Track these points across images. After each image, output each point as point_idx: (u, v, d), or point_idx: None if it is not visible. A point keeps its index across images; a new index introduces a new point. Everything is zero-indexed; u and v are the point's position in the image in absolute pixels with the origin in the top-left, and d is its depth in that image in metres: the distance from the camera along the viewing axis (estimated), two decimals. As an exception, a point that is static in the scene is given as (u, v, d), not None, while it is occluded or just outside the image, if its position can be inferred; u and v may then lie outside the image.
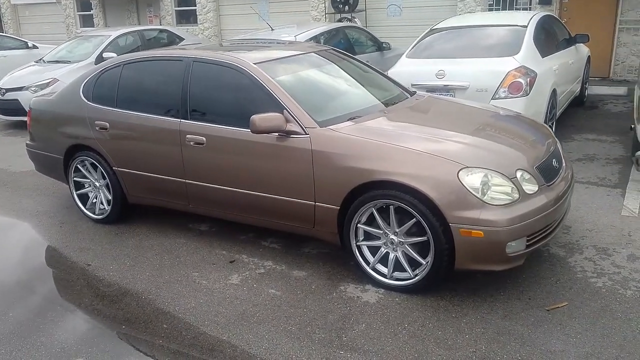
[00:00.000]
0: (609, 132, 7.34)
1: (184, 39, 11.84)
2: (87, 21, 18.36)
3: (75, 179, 5.18)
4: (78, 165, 5.09)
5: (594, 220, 4.61)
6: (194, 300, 3.73)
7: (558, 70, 6.82)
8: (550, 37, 7.21)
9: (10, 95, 9.56)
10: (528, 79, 5.92)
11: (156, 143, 4.50)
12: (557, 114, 6.98)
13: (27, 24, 20.28)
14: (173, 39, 11.77)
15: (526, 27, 6.62)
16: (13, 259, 4.56)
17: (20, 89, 9.51)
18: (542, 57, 6.52)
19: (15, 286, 4.08)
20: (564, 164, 4.06)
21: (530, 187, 3.47)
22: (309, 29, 8.58)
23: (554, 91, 6.56)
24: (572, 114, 8.35)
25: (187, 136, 4.28)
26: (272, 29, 8.92)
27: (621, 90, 9.91)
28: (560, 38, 7.66)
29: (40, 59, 10.88)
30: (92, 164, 5.01)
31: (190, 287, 3.91)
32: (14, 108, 9.51)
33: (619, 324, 3.23)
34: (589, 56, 8.96)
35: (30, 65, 10.60)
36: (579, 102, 8.81)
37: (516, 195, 3.37)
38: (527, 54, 6.26)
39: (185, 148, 4.32)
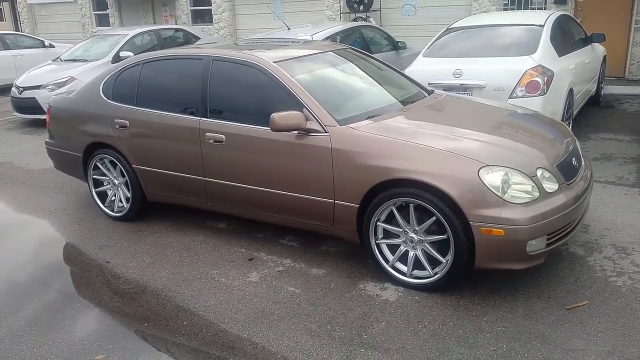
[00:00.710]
0: (626, 132, 7.30)
1: (199, 38, 11.89)
2: (102, 20, 18.49)
3: (94, 176, 5.22)
4: (97, 163, 5.13)
5: (612, 220, 4.59)
6: (213, 297, 3.75)
7: (575, 70, 6.78)
8: (566, 37, 7.18)
9: (27, 94, 9.66)
10: (545, 78, 5.89)
11: (176, 141, 4.52)
12: (574, 113, 6.94)
13: (43, 23, 20.46)
14: (189, 38, 11.82)
15: (543, 26, 6.60)
16: (32, 256, 4.60)
17: (37, 87, 9.60)
18: (559, 57, 6.49)
19: (35, 283, 4.12)
20: (583, 163, 4.05)
21: (550, 186, 3.46)
22: (325, 28, 8.59)
23: (571, 90, 6.53)
24: (588, 114, 8.31)
25: (207, 134, 4.31)
26: (289, 28, 8.93)
27: (637, 89, 9.85)
28: (577, 37, 7.62)
29: (57, 58, 10.99)
30: (112, 162, 5.04)
31: (209, 284, 3.93)
32: (31, 106, 9.61)
33: (639, 323, 3.22)
34: (605, 55, 8.90)
35: (47, 64, 10.71)
36: (594, 102, 8.77)
37: (536, 194, 3.36)
38: (544, 53, 6.24)
39: (204, 146, 4.34)
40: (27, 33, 17.89)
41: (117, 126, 4.84)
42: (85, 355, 3.22)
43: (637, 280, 3.66)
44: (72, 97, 5.32)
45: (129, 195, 5.00)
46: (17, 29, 20.85)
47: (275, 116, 3.75)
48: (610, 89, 9.87)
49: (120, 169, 4.98)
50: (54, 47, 13.73)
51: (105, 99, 4.96)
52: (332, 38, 8.28)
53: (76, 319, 3.59)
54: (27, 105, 9.71)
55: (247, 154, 4.15)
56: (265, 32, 10.14)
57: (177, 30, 12.12)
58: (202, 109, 4.38)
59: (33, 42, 13.97)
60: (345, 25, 9.13)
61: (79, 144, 5.14)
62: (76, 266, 4.38)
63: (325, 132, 3.80)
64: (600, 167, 5.89)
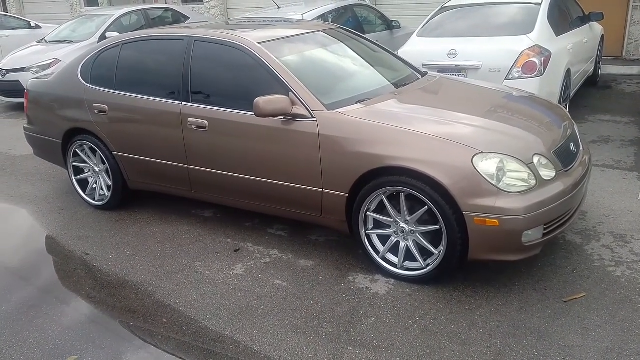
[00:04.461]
0: (624, 113, 7.15)
1: (189, 18, 11.64)
2: (91, 0, 18.06)
3: (74, 163, 5.04)
4: (77, 150, 4.94)
5: (610, 206, 4.45)
6: (195, 292, 3.59)
7: (572, 50, 6.62)
8: (564, 15, 7.00)
9: (11, 77, 9.40)
10: (542, 59, 5.72)
11: (156, 127, 4.34)
12: (571, 94, 6.78)
13: (30, 4, 20.00)
14: (178, 18, 11.55)
15: (540, 4, 6.41)
16: (9, 247, 4.42)
17: (21, 69, 9.34)
18: (557, 36, 6.32)
19: (10, 277, 3.94)
20: (581, 148, 3.89)
21: (547, 173, 3.30)
22: (316, 7, 8.37)
23: (569, 71, 6.37)
24: (585, 95, 8.15)
25: (189, 119, 4.12)
26: (279, 7, 8.71)
27: (635, 69, 9.71)
28: (574, 16, 7.44)
29: (42, 39, 10.72)
30: (91, 148, 4.86)
31: (192, 277, 3.77)
32: (15, 89, 9.35)
33: (639, 317, 3.08)
34: (603, 35, 8.73)
35: (32, 46, 10.44)
36: (592, 82, 8.62)
37: (533, 182, 3.21)
38: (541, 32, 6.06)
39: (187, 132, 4.16)
40: (14, 14, 17.51)
41: (95, 111, 4.64)
42: (57, 357, 3.05)
43: (636, 270, 3.53)
44: (50, 80, 5.11)
45: (110, 183, 4.83)
46: (4, 10, 20.41)
47: (260, 101, 3.57)
48: (607, 69, 9.74)
49: (101, 156, 4.79)
50: (40, 27, 13.41)
51: (84, 82, 4.76)
52: (323, 17, 8.07)
53: (51, 317, 3.43)
54: (11, 89, 9.44)
55: (231, 141, 3.97)
56: (256, 11, 9.89)
57: (166, 10, 11.85)
58: (184, 93, 4.19)
59: (19, 23, 13.65)
60: (337, 4, 8.90)
61: (58, 129, 4.95)
62: (53, 259, 4.21)
63: (312, 117, 3.62)
64: (597, 150, 5.75)
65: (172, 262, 4.00)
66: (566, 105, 6.47)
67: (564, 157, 3.51)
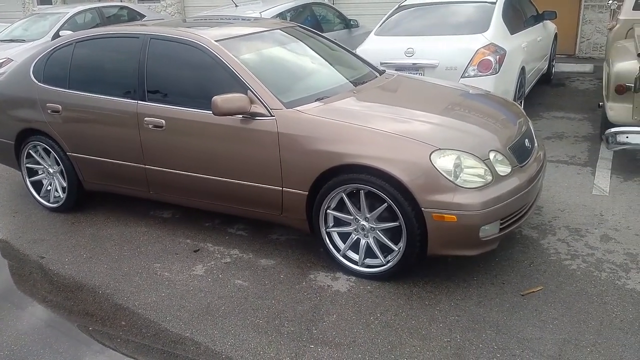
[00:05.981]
0: (577, 110, 7.32)
1: (145, 16, 11.44)
2: (44, -2, 17.58)
3: (27, 165, 4.89)
4: (30, 151, 4.80)
5: (565, 200, 4.56)
6: (155, 294, 3.53)
7: (527, 48, 6.74)
8: (518, 14, 7.13)
9: (-41, 77, 9.08)
10: (497, 57, 5.81)
11: (112, 126, 4.24)
12: (526, 92, 6.92)
13: (-21, 1, 19.36)
14: (134, 16, 11.36)
15: (495, 3, 6.51)
16: (-39, 251, 4.28)
17: (-30, 70, 9.04)
18: (511, 34, 6.43)
19: (-37, 282, 3.82)
20: (536, 144, 3.97)
21: (503, 169, 3.36)
22: (274, 5, 8.33)
23: (523, 69, 6.49)
24: (540, 92, 8.32)
25: (145, 119, 4.05)
26: (237, 5, 8.64)
27: (587, 67, 9.95)
28: (528, 14, 7.58)
29: (-8, 38, 10.38)
30: (45, 149, 4.73)
31: (151, 279, 3.70)
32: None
33: (594, 308, 3.16)
34: (556, 33, 8.93)
35: (-19, 45, 10.10)
36: (546, 80, 8.80)
37: (489, 178, 3.26)
38: (496, 31, 6.16)
39: (143, 131, 4.08)
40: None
41: (49, 111, 4.51)
42: (12, 363, 2.98)
43: (591, 263, 3.62)
44: (2, 80, 4.94)
45: (65, 184, 4.70)
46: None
47: (218, 99, 3.52)
48: (561, 67, 9.95)
49: (55, 157, 4.67)
50: (-10, 26, 12.99)
51: (36, 81, 4.63)
52: (281, 16, 8.03)
53: (6, 322, 3.33)
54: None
55: (189, 140, 3.91)
56: (213, 9, 9.79)
57: (121, 8, 11.64)
58: (140, 92, 4.11)
59: (-33, 21, 13.20)
60: (296, 2, 8.87)
61: (10, 130, 4.80)
62: (8, 263, 4.08)
63: (271, 115, 3.60)
64: (552, 146, 5.88)
65: (130, 264, 3.92)
66: (521, 102, 6.60)
67: (519, 153, 3.57)
